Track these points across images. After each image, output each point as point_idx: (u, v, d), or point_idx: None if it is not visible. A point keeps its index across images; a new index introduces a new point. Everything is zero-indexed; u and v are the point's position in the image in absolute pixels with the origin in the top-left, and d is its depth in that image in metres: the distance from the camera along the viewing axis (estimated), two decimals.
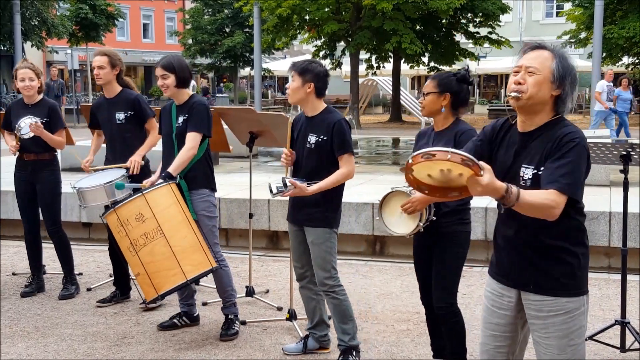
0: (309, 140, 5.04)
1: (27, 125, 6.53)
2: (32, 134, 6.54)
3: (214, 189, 5.86)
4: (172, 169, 5.55)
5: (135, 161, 6.28)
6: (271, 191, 4.90)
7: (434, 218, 4.54)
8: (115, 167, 6.35)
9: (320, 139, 5.00)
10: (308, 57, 35.52)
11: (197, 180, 5.71)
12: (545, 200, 3.05)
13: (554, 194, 3.08)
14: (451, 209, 4.58)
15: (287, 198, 5.19)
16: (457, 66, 30.92)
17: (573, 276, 3.28)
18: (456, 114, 4.61)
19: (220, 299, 5.97)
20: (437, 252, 4.66)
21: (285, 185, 4.85)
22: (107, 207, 5.97)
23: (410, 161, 2.93)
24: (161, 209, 5.36)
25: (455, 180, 2.94)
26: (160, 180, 5.53)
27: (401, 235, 4.62)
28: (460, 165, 2.86)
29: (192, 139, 5.63)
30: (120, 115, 6.44)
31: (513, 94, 3.25)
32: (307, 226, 5.14)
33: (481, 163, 2.88)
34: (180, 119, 5.71)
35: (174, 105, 5.80)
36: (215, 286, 5.99)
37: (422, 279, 4.85)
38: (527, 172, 3.25)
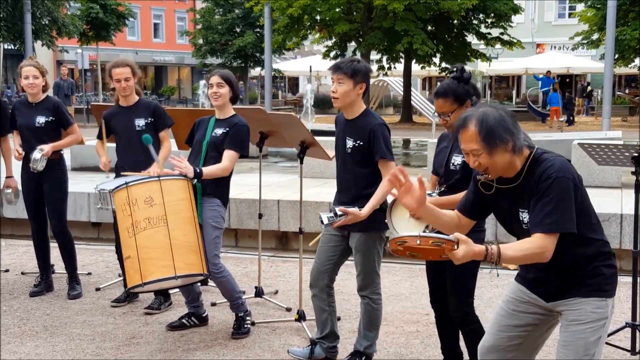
0: (347, 144, 4.84)
1: (40, 156, 6.52)
2: (45, 159, 6.54)
3: (225, 202, 5.82)
4: (205, 172, 5.51)
5: (156, 172, 6.14)
6: (322, 222, 4.73)
7: None
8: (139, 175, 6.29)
9: (357, 144, 4.79)
10: (319, 57, 35.69)
11: (211, 187, 5.67)
12: (529, 249, 3.07)
13: (539, 237, 3.09)
14: None
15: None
16: (468, 67, 30.83)
17: (599, 285, 3.30)
18: None
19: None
20: (450, 260, 4.53)
21: (336, 215, 4.68)
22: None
23: (388, 246, 3.01)
24: (172, 199, 5.32)
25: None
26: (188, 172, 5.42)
27: None
28: (432, 248, 2.92)
29: (231, 159, 5.62)
30: (141, 122, 6.40)
31: (483, 177, 3.31)
32: (351, 231, 4.94)
33: (455, 236, 2.94)
34: (219, 131, 5.68)
35: (214, 118, 5.78)
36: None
37: (433, 284, 4.77)
38: (524, 216, 3.27)
